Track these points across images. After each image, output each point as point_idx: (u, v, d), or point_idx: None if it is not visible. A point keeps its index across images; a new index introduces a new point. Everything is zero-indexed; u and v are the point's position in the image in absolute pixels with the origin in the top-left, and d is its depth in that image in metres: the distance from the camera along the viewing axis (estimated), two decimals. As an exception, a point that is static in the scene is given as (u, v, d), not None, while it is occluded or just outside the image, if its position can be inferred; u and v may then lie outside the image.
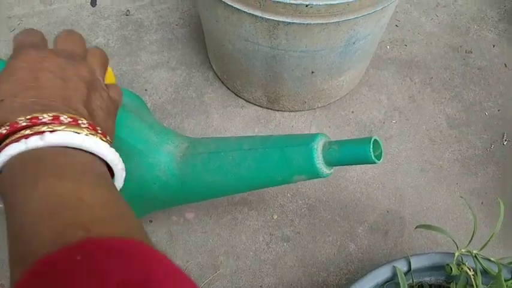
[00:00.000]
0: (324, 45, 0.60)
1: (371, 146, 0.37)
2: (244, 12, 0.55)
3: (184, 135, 0.52)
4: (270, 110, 0.78)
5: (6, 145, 0.21)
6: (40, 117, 0.21)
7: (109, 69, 0.63)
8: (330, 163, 0.40)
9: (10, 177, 0.21)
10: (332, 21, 0.54)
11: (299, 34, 0.57)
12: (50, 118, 0.22)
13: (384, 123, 0.77)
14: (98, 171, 0.24)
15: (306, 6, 0.52)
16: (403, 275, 0.47)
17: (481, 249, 0.50)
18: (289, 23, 0.55)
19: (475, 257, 0.49)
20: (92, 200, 0.20)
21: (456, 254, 0.49)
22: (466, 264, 0.49)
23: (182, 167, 0.47)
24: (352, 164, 0.40)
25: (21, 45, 0.26)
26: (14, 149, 0.21)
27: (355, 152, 0.38)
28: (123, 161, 0.29)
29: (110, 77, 0.67)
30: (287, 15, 0.54)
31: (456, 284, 0.49)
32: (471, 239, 0.50)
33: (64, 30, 0.29)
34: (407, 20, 0.91)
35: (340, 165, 0.40)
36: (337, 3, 0.52)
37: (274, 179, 0.43)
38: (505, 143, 0.75)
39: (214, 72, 0.83)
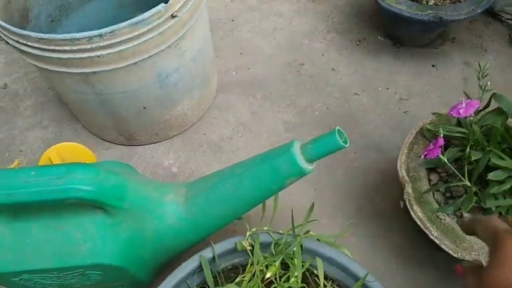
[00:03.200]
0: (138, 84, 0.71)
1: (337, 135, 0.46)
2: (57, 71, 0.65)
3: (178, 183, 0.57)
4: (131, 147, 0.88)
5: None
6: None
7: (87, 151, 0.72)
8: (310, 160, 0.49)
9: None
10: (127, 63, 0.65)
11: (109, 79, 0.68)
12: None
13: (231, 138, 0.88)
14: None
15: (98, 57, 0.62)
16: (207, 263, 0.55)
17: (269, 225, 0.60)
18: (96, 72, 0.65)
19: (268, 232, 0.59)
20: None
21: (248, 233, 0.59)
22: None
23: (188, 210, 0.53)
24: (328, 154, 0.48)
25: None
26: None
27: (326, 144, 0.47)
28: (136, 224, 0.39)
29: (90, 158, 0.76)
30: (88, 66, 0.64)
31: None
32: (262, 217, 0.60)
33: None
34: (250, 46, 1.05)
35: (318, 158, 0.49)
36: (123, 49, 0.62)
37: (271, 189, 0.51)
38: (333, 135, 0.87)
39: (82, 123, 0.92)
